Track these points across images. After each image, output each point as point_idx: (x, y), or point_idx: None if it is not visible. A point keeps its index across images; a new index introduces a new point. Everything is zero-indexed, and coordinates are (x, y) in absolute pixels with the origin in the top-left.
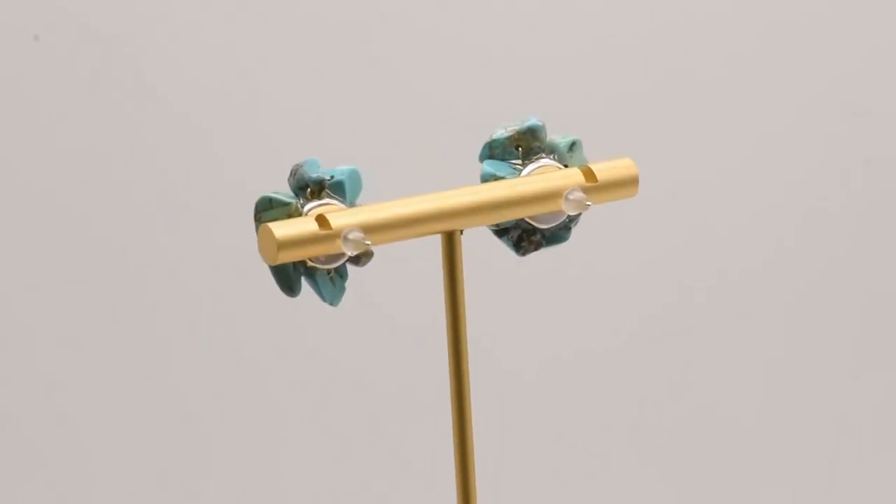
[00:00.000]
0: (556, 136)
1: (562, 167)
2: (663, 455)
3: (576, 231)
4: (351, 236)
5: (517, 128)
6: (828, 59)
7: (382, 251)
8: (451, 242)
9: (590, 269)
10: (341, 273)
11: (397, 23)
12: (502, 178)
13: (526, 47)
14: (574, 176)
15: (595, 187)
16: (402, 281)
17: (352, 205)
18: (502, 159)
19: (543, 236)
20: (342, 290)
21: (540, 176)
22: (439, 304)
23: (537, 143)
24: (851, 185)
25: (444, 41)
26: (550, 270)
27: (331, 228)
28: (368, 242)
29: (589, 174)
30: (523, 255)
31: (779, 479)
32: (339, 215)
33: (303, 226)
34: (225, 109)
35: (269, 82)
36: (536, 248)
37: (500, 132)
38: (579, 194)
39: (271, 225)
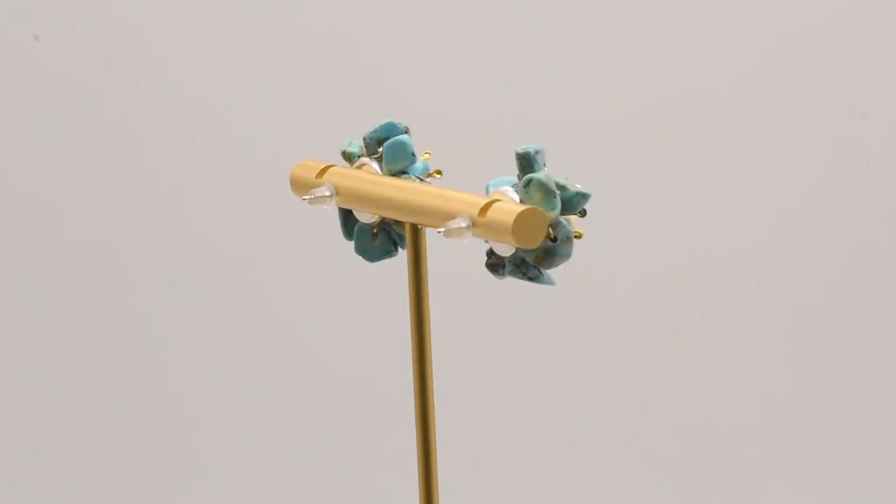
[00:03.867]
0: (540, 171)
1: (515, 199)
2: (663, 456)
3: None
4: (313, 189)
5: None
6: (827, 60)
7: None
8: (415, 235)
9: (589, 273)
10: (394, 238)
11: (398, 27)
12: (493, 191)
13: (529, 58)
14: (470, 205)
15: (481, 222)
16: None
17: (388, 172)
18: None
19: (504, 263)
20: (384, 251)
21: (452, 193)
22: (435, 303)
23: (522, 170)
24: (852, 187)
25: (448, 49)
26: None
27: (321, 179)
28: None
29: (484, 208)
30: (497, 276)
31: (779, 479)
32: (335, 172)
33: (309, 170)
34: (223, 110)
35: (267, 83)
36: (497, 272)
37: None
38: (455, 224)
39: (302, 161)
